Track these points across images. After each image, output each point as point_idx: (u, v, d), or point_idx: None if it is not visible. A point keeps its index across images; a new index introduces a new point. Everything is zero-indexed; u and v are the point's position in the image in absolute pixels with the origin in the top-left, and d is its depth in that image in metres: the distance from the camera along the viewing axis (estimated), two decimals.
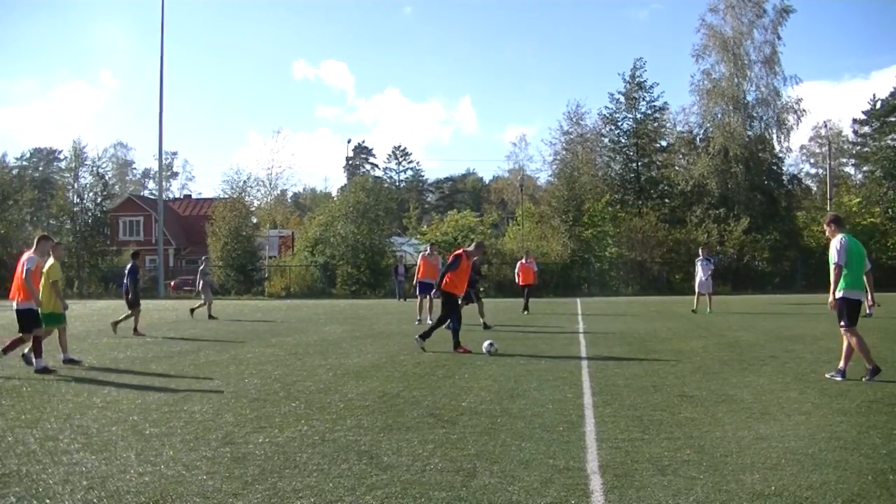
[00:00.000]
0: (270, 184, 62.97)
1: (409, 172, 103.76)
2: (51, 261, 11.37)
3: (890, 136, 58.59)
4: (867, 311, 13.83)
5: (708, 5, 48.94)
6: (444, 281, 12.95)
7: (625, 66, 54.42)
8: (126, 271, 18.03)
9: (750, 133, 47.41)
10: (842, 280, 9.25)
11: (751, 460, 5.48)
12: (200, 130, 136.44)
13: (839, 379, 9.10)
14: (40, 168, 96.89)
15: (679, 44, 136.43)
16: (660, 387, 8.82)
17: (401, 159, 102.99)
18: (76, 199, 51.92)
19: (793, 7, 47.30)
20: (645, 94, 51.18)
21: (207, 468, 5.42)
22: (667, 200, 49.49)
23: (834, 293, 9.30)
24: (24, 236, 55.85)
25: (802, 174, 69.42)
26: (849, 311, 9.26)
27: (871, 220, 45.95)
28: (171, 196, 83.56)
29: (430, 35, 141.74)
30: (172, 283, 48.40)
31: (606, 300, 34.34)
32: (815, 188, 64.94)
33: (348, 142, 78.38)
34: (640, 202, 48.98)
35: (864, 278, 9.73)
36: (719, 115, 47.77)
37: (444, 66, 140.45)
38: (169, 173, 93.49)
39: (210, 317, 22.34)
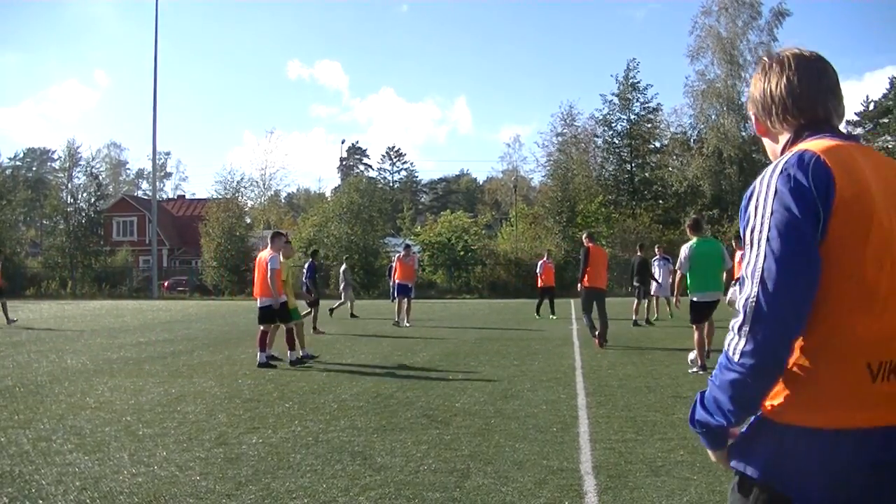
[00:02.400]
0: (264, 184, 62.85)
1: (403, 173, 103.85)
2: (281, 259, 11.75)
3: (883, 138, 58.80)
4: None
5: (701, 7, 49.14)
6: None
7: (622, 65, 54.61)
8: (305, 269, 18.38)
9: (744, 134, 47.52)
10: (690, 285, 10.30)
11: None
12: (194, 130, 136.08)
13: (700, 372, 9.90)
14: (34, 168, 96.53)
15: (677, 43, 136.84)
16: (654, 387, 8.84)
17: (395, 160, 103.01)
18: (70, 200, 51.72)
19: (789, 11, 47.54)
20: (639, 95, 51.31)
21: (201, 469, 5.41)
22: (660, 201, 49.57)
23: (677, 297, 10.67)
24: (18, 236, 55.77)
25: None
26: (695, 310, 10.29)
27: None
28: (164, 196, 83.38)
29: (426, 34, 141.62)
30: (166, 284, 48.31)
31: None
32: None
33: (342, 142, 78.29)
34: (634, 203, 49.06)
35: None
36: (713, 116, 47.90)
37: (440, 65, 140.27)
38: (162, 173, 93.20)
39: (352, 315, 22.45)
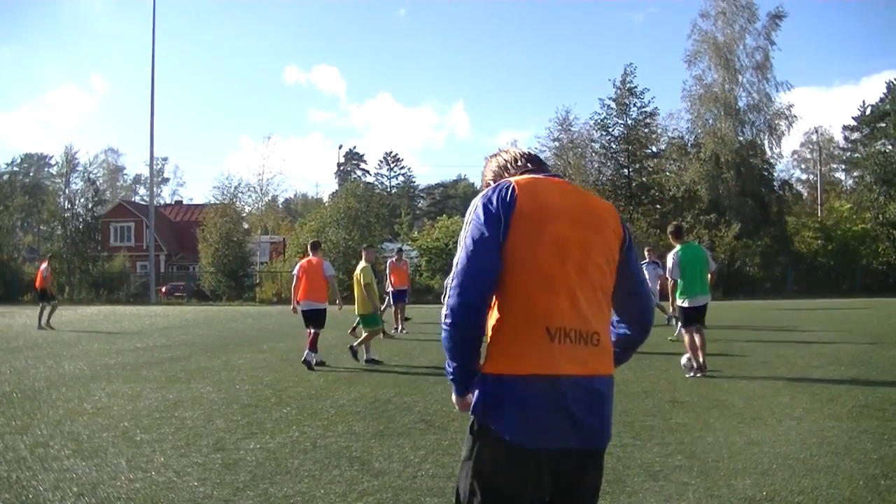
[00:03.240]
0: (261, 189, 62.71)
1: (401, 178, 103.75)
2: (363, 264, 12.53)
3: (880, 142, 58.87)
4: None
5: (699, 11, 49.22)
6: None
7: (621, 70, 54.51)
8: None
9: (741, 139, 47.56)
10: (679, 290, 10.60)
11: (742, 465, 5.49)
12: (192, 136, 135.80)
13: (698, 375, 10.08)
14: (31, 173, 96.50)
15: (676, 48, 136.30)
16: (651, 392, 8.83)
17: (392, 165, 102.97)
18: (67, 205, 51.68)
19: (785, 12, 47.59)
20: (636, 99, 51.26)
21: (198, 474, 5.40)
22: (658, 206, 49.50)
23: (673, 303, 10.92)
24: (15, 242, 55.72)
25: (793, 180, 69.59)
26: (686, 316, 10.61)
27: (863, 225, 46.15)
28: (162, 202, 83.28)
29: (423, 39, 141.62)
30: (164, 289, 48.26)
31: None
32: (805, 194, 65.22)
33: (339, 148, 78.30)
34: (632, 208, 48.96)
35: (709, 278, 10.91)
36: (711, 121, 47.92)
37: (437, 70, 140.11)
38: (160, 179, 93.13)
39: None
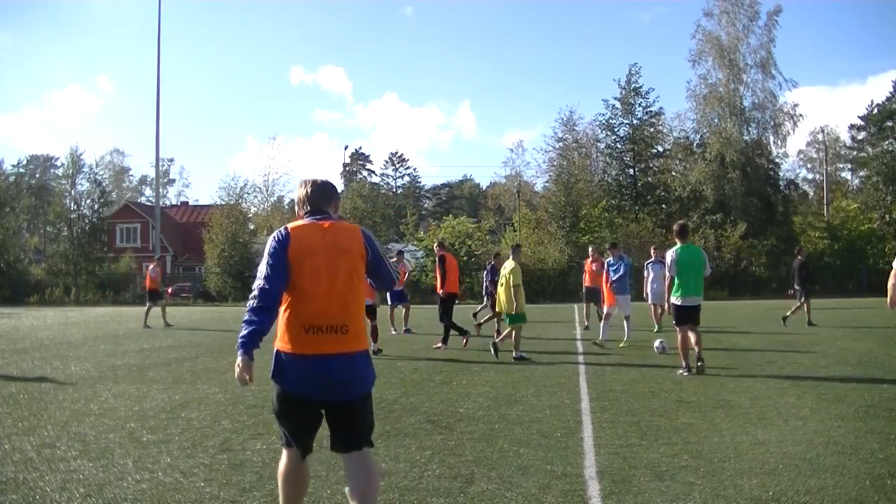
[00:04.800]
0: (267, 190, 62.81)
1: (406, 178, 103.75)
2: (512, 264, 12.61)
3: (887, 141, 58.64)
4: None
5: (703, 10, 49.20)
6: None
7: (627, 69, 54.14)
8: (486, 272, 18.35)
9: (746, 138, 47.49)
10: (674, 289, 10.69)
11: (748, 465, 5.49)
12: (197, 136, 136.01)
13: (685, 374, 10.27)
14: (37, 175, 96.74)
15: (682, 47, 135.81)
16: (657, 392, 8.82)
17: (398, 165, 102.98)
18: (73, 206, 51.80)
19: (782, 7, 47.56)
20: (641, 99, 51.20)
21: (205, 475, 5.42)
22: (663, 206, 49.46)
23: (668, 300, 11.09)
24: (21, 243, 55.85)
25: (799, 179, 69.43)
26: (678, 314, 10.68)
27: (869, 225, 46.02)
28: (168, 203, 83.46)
29: (429, 38, 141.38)
30: (170, 290, 48.33)
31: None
32: (811, 193, 65.07)
33: (345, 148, 78.09)
34: (637, 208, 48.96)
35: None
36: (716, 121, 47.84)
37: (444, 70, 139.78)
38: (166, 180, 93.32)
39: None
